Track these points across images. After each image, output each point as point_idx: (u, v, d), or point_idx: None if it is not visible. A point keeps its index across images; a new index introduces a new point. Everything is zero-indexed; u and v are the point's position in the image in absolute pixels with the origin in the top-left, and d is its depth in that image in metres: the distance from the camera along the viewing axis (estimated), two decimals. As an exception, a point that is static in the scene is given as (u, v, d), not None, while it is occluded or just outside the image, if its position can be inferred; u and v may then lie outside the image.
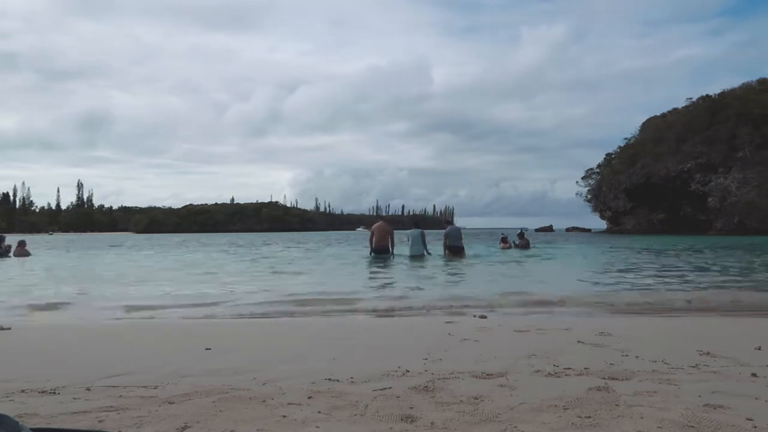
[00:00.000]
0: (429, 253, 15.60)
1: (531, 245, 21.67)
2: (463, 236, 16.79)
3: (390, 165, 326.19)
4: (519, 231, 22.40)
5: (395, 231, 16.44)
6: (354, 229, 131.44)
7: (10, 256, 18.11)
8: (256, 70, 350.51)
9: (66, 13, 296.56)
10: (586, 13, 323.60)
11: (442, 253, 16.08)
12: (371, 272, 12.55)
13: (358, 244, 30.48)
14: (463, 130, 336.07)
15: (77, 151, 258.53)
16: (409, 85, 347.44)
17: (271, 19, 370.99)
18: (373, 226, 16.32)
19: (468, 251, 16.99)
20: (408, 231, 16.36)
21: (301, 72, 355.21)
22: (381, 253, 15.37)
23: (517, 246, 20.88)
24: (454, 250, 16.00)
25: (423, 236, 15.77)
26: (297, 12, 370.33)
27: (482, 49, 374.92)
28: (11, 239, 19.54)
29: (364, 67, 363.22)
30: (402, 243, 16.34)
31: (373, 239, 15.70)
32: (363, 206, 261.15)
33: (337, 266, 14.50)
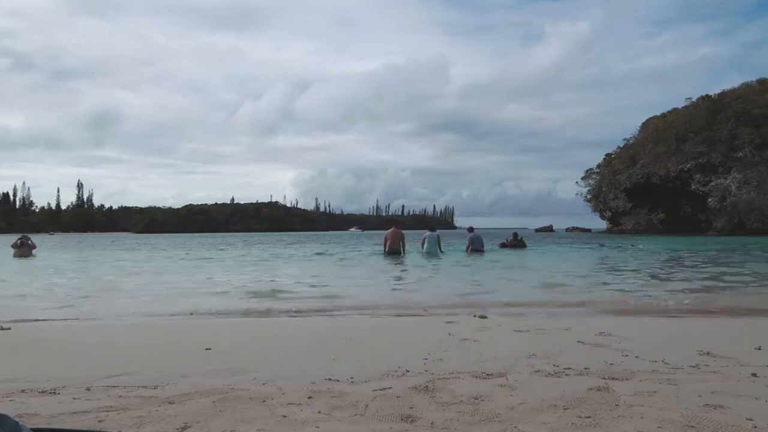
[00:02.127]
0: (442, 252, 17.56)
1: (527, 246, 22.72)
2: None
3: (393, 164, 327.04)
4: (513, 232, 23.63)
5: None
6: (347, 230, 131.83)
7: (34, 255, 18.40)
8: (263, 69, 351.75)
9: (73, 12, 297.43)
10: (595, 14, 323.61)
11: (465, 251, 18.87)
12: (372, 273, 12.56)
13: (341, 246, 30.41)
14: (467, 130, 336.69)
15: (83, 150, 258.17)
16: (424, 85, 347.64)
17: (279, 18, 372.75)
18: (386, 233, 17.90)
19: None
20: (425, 233, 17.88)
21: (309, 72, 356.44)
22: (393, 254, 16.99)
23: (508, 245, 21.96)
24: (475, 251, 18.81)
25: (439, 239, 17.72)
26: (303, 12, 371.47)
27: (493, 49, 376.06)
28: (10, 239, 19.63)
29: (378, 67, 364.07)
30: (415, 240, 18.20)
31: (387, 243, 17.29)
32: (365, 206, 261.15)
33: (340, 266, 14.53)
